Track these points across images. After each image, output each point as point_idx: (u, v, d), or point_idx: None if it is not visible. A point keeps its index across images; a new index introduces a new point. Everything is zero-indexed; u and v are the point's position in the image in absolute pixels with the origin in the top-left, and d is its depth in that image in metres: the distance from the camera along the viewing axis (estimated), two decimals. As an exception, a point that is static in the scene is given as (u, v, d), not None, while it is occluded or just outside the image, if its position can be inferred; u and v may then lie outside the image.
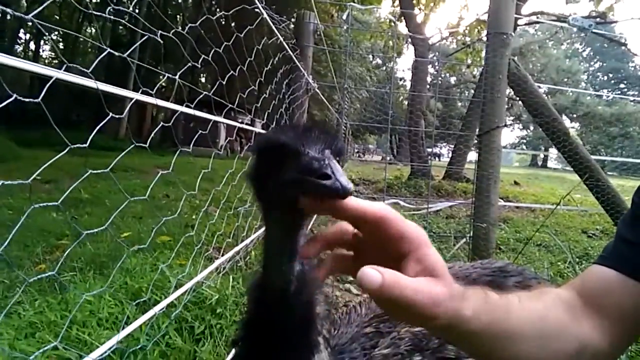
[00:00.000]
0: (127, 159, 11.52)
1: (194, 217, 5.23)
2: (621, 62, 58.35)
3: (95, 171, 1.01)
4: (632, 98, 50.51)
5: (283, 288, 0.81)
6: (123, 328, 1.71)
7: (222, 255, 3.07)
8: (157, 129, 1.30)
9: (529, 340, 0.68)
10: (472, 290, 0.64)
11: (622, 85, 59.39)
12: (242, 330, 0.93)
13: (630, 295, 0.75)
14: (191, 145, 1.52)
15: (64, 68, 0.81)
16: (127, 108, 1.08)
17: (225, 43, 1.88)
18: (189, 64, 1.68)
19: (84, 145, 0.92)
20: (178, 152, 1.48)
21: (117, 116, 0.97)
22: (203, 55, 1.57)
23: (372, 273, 0.52)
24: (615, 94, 51.64)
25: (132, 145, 1.20)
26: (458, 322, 0.59)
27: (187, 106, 1.29)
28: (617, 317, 0.75)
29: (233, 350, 0.98)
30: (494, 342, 0.66)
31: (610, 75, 61.35)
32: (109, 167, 1.07)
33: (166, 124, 1.28)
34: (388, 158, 12.45)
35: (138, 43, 1.56)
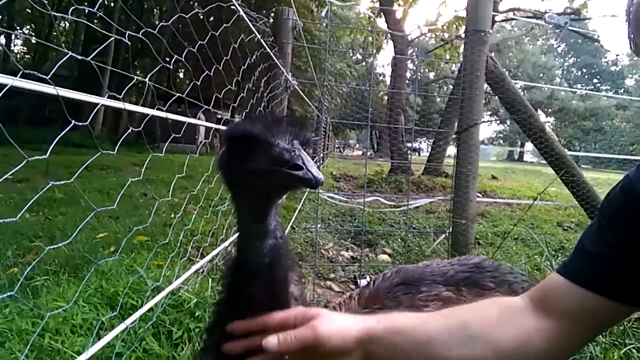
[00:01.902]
0: (104, 157, 11.28)
1: (172, 216, 5.14)
2: (594, 58, 59.75)
3: (57, 182, 0.96)
4: (604, 93, 51.80)
5: (257, 263, 0.84)
6: (98, 335, 1.66)
7: (202, 255, 3.02)
8: (127, 133, 1.25)
9: (451, 344, 0.79)
10: (382, 315, 0.84)
11: (595, 81, 60.85)
12: (214, 311, 0.94)
13: (576, 301, 0.79)
14: (165, 145, 1.47)
15: (19, 75, 0.76)
16: (93, 114, 1.04)
17: (201, 40, 1.83)
18: (160, 63, 1.63)
19: (43, 157, 0.88)
20: (150, 156, 1.43)
21: (80, 124, 0.93)
22: (175, 56, 1.53)
23: (271, 338, 0.76)
24: (589, 89, 52.96)
25: (99, 153, 1.15)
26: (370, 337, 0.79)
27: (158, 109, 1.24)
28: (561, 319, 0.80)
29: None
30: (416, 349, 0.79)
31: (584, 70, 62.77)
32: (72, 178, 1.02)
33: (135, 129, 1.23)
34: (368, 153, 12.50)
35: (104, 44, 1.50)
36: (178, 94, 1.35)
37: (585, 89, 57.07)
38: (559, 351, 0.83)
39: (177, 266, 2.55)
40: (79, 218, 4.90)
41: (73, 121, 0.87)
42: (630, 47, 0.86)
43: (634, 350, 2.12)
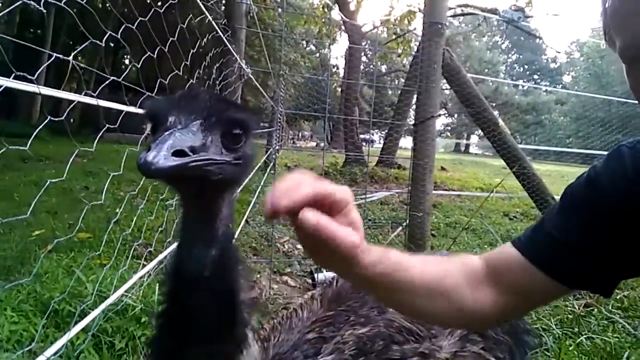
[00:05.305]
0: (42, 147, 10.51)
1: (117, 210, 4.84)
2: (535, 55, 62.82)
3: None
4: (544, 88, 54.71)
5: (195, 273, 0.72)
6: (29, 349, 1.48)
7: (150, 253, 2.83)
8: (45, 121, 1.07)
9: (422, 295, 0.83)
10: (375, 247, 0.78)
11: (535, 76, 64.02)
12: (157, 323, 0.81)
13: (527, 277, 0.84)
14: (98, 135, 1.30)
15: None
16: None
17: (142, 18, 1.66)
18: (102, 48, 1.45)
19: None
20: (77, 150, 1.25)
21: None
22: (109, 32, 1.35)
23: (312, 215, 0.64)
24: (530, 85, 55.79)
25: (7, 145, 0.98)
26: (356, 267, 0.75)
27: (86, 94, 1.08)
28: (510, 291, 0.87)
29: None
30: (390, 291, 0.83)
31: (526, 67, 65.87)
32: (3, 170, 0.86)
33: (54, 119, 1.06)
34: (322, 145, 12.49)
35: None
36: (113, 77, 1.19)
37: (528, 85, 60.03)
38: (499, 318, 0.95)
39: (122, 266, 2.36)
40: (12, 214, 4.50)
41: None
42: (605, 39, 0.86)
43: (584, 340, 2.18)
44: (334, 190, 0.68)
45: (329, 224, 0.65)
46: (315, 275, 3.55)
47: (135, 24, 1.43)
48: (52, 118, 1.02)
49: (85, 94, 1.06)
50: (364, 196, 5.05)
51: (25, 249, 3.41)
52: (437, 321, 0.99)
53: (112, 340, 1.82)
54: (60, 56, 1.03)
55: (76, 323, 1.53)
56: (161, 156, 0.54)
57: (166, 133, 0.58)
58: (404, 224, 3.66)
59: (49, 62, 1.06)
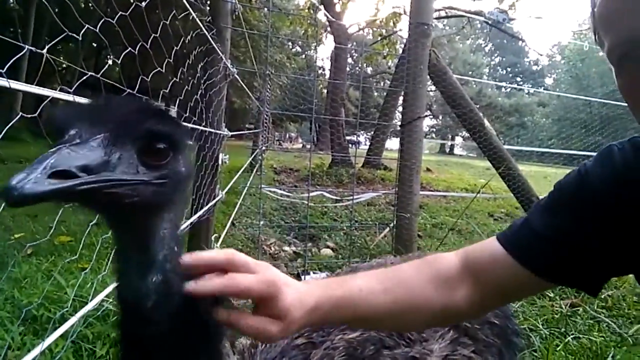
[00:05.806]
0: (22, 149, 10.27)
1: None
2: (518, 57, 63.82)
3: None
4: (527, 90, 55.61)
5: (137, 303, 0.62)
6: (5, 356, 1.42)
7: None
8: (16, 118, 1.01)
9: (391, 317, 0.84)
10: (323, 298, 0.77)
11: (518, 79, 64.99)
12: (117, 350, 0.74)
13: (510, 274, 0.84)
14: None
15: None
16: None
17: (132, 23, 1.61)
18: (86, 49, 1.40)
19: None
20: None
21: None
22: (85, 28, 1.30)
23: (223, 312, 0.70)
24: (513, 87, 56.67)
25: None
26: (310, 322, 0.77)
27: (61, 90, 1.02)
28: (490, 287, 0.87)
29: None
30: (353, 319, 0.85)
31: (509, 69, 66.84)
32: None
33: (25, 115, 1.00)
34: (308, 146, 12.45)
35: None
36: (91, 73, 1.14)
37: (511, 87, 60.93)
38: (477, 313, 0.98)
39: (103, 270, 2.29)
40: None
41: None
42: (595, 40, 0.85)
43: (571, 340, 2.19)
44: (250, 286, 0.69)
45: (239, 318, 0.70)
46: (303, 277, 3.52)
47: (116, 18, 1.38)
48: (23, 114, 0.96)
49: (61, 90, 1.01)
50: (350, 197, 5.02)
51: (4, 254, 3.31)
52: (411, 330, 1.09)
53: (92, 347, 1.77)
54: (33, 49, 0.98)
55: (55, 329, 1.47)
56: (30, 179, 0.43)
57: (50, 150, 0.48)
58: (391, 225, 3.65)
59: (21, 54, 1.01)
